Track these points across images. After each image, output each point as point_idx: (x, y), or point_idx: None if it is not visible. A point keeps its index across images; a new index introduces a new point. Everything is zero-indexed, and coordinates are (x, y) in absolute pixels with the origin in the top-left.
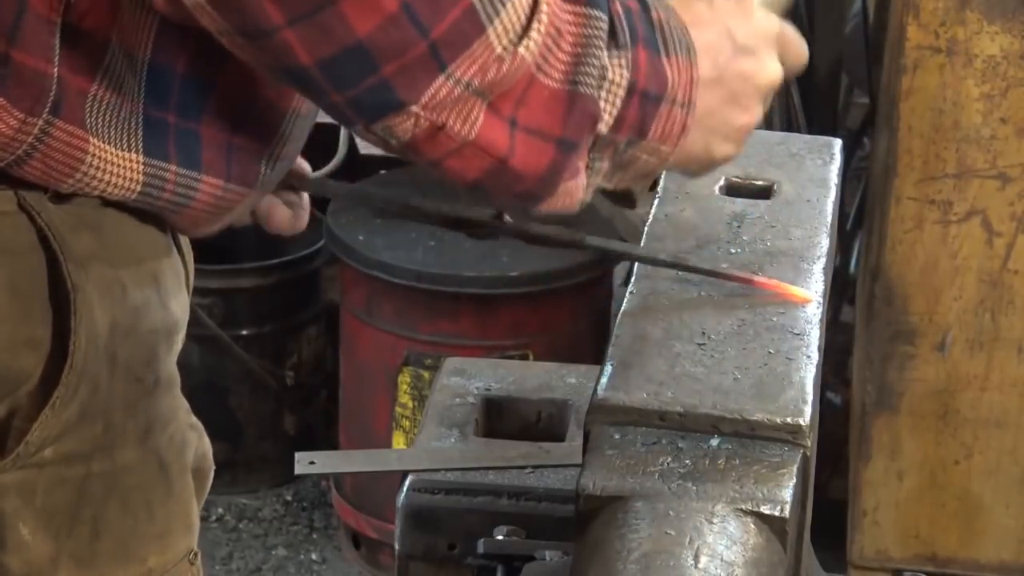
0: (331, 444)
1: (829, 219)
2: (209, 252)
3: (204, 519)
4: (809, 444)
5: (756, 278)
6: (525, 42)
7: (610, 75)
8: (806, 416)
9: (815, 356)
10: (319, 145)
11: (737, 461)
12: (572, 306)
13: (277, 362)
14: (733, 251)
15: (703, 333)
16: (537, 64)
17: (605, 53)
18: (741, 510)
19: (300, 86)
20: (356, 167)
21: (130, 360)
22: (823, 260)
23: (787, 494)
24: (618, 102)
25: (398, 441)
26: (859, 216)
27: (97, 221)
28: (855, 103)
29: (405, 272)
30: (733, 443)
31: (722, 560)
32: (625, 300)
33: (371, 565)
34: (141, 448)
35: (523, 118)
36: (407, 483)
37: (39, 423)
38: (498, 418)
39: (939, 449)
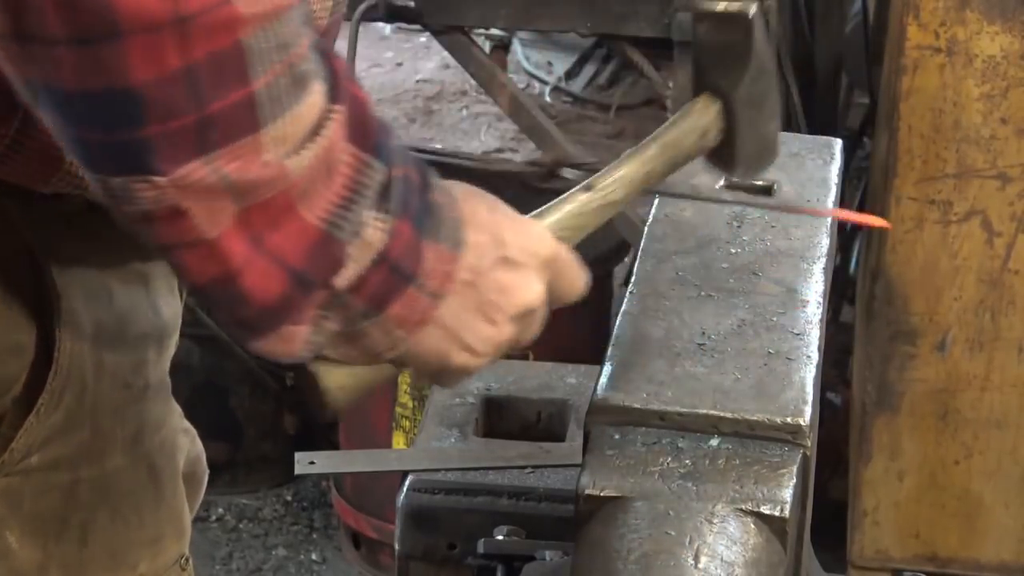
0: (331, 444)
1: (829, 219)
2: None
3: (204, 519)
4: (809, 444)
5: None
6: (295, 158)
7: (365, 232)
8: (806, 416)
9: (815, 356)
10: None
11: (737, 461)
12: (572, 306)
13: (277, 362)
14: (733, 251)
15: (703, 333)
16: (301, 190)
17: (370, 209)
18: (741, 510)
19: (55, 111)
20: None
21: (117, 366)
22: (823, 260)
23: (787, 494)
24: (365, 262)
25: (398, 441)
26: None
27: (82, 223)
28: (855, 103)
29: None
30: (733, 443)
31: (722, 560)
32: (625, 300)
33: (371, 565)
34: (130, 454)
35: (270, 241)
36: (407, 483)
37: (24, 430)
38: (498, 418)
39: (939, 449)
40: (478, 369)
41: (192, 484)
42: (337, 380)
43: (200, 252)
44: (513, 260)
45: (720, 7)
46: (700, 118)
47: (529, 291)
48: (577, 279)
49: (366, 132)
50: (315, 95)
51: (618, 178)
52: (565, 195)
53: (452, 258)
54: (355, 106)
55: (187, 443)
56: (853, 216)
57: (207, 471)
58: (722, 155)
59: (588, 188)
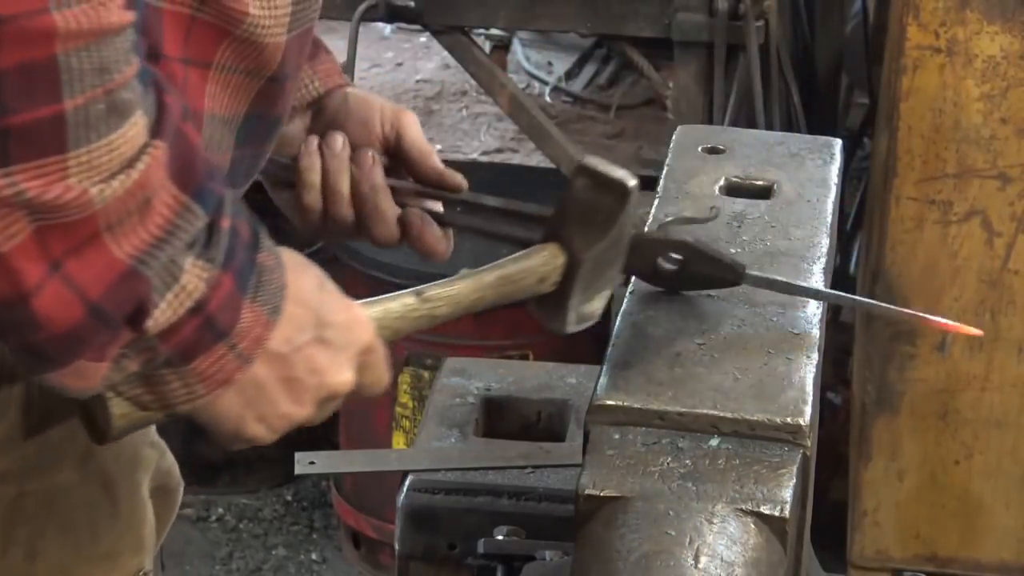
0: (331, 444)
1: (829, 219)
2: None
3: (204, 519)
4: (809, 444)
5: (928, 317)
6: (102, 187)
7: (184, 280)
8: (806, 416)
9: (815, 356)
10: None
11: (737, 461)
12: None
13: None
14: (733, 251)
15: (703, 333)
16: (109, 222)
17: (189, 255)
18: (741, 510)
19: None
20: None
21: None
22: (823, 260)
23: (787, 494)
24: (180, 311)
25: (398, 441)
26: (859, 216)
27: None
28: (855, 103)
29: (405, 272)
30: (733, 443)
31: (722, 560)
32: (625, 300)
33: (371, 565)
34: (82, 468)
35: (70, 267)
36: (407, 483)
37: None
38: (498, 418)
39: (939, 449)
40: (264, 442)
41: (163, 498)
42: (122, 408)
43: None
44: (330, 342)
45: (605, 169)
46: (544, 265)
47: (339, 377)
48: (383, 376)
49: (191, 174)
50: (134, 127)
51: (448, 295)
52: (394, 294)
53: (268, 323)
54: (182, 146)
55: (154, 456)
56: (944, 324)
57: (181, 483)
58: (549, 303)
59: (418, 295)
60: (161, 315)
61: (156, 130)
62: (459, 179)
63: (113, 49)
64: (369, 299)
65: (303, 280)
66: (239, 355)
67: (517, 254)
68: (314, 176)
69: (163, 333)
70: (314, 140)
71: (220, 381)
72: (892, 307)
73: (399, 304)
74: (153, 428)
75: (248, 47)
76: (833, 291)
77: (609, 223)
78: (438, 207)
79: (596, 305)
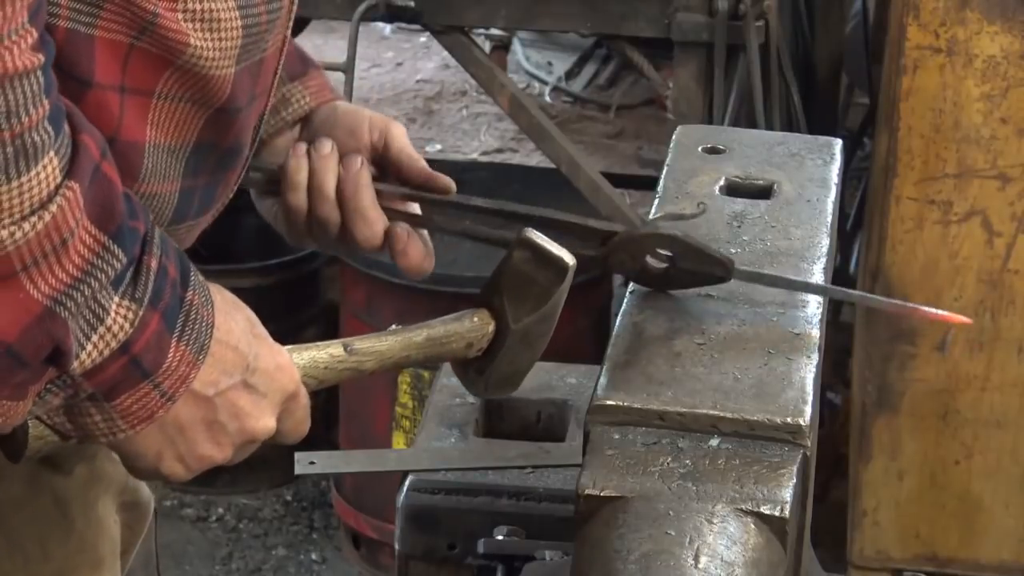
0: (331, 444)
1: (829, 219)
2: (209, 252)
3: (204, 519)
4: (809, 444)
5: (918, 307)
6: (13, 229)
7: (109, 320)
8: (806, 416)
9: (815, 356)
10: None
11: (737, 461)
12: (572, 306)
13: None
14: (733, 251)
15: (703, 333)
16: (25, 264)
17: (113, 297)
18: (741, 510)
19: None
20: None
21: None
22: (823, 260)
23: (787, 494)
24: (106, 352)
25: (398, 441)
26: (859, 216)
27: None
28: (855, 103)
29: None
30: (733, 443)
31: (722, 560)
32: (625, 300)
33: (371, 565)
34: (31, 484)
35: None
36: (407, 483)
37: None
38: (498, 418)
39: (939, 449)
40: (180, 481)
41: (132, 511)
42: (39, 431)
43: None
44: (255, 387)
45: (546, 245)
46: (472, 331)
47: (261, 423)
48: (303, 425)
49: (111, 214)
50: (46, 169)
51: (375, 351)
52: (322, 343)
53: (194, 363)
54: (101, 186)
55: (119, 472)
56: (934, 314)
57: (151, 497)
58: (472, 368)
59: (346, 347)
60: (87, 356)
61: (71, 171)
62: (447, 181)
63: (20, 92)
64: (297, 346)
65: (232, 321)
66: (163, 393)
67: (447, 317)
68: (301, 176)
69: (88, 372)
70: (302, 145)
71: (142, 418)
72: (881, 298)
73: (326, 355)
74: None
75: (192, 77)
76: (821, 284)
77: (543, 298)
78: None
79: (519, 376)
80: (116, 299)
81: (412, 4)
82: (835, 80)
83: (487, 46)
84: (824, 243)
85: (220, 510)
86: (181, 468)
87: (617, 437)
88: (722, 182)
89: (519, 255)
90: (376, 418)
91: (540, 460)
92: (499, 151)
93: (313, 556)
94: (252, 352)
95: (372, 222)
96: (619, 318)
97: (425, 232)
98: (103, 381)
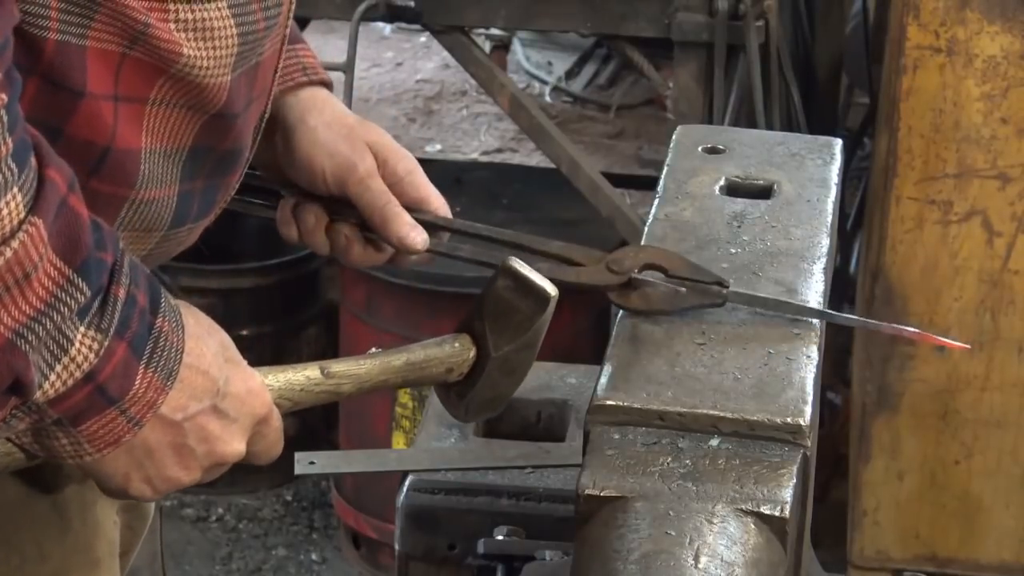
0: (331, 444)
1: (829, 219)
2: (209, 252)
3: (204, 519)
4: (809, 444)
5: (915, 331)
6: None
7: (74, 351)
8: (806, 416)
9: (815, 356)
10: None
11: (737, 461)
12: (572, 306)
13: (277, 362)
14: (733, 251)
15: (703, 333)
16: None
17: (78, 327)
18: (741, 510)
19: None
20: None
21: None
22: (823, 260)
23: (787, 494)
24: (70, 382)
25: (398, 441)
26: (859, 216)
27: None
28: (855, 103)
29: (405, 272)
30: (733, 443)
31: (722, 560)
32: None
33: (371, 565)
34: (26, 486)
35: None
36: (407, 483)
37: None
38: (498, 418)
39: (939, 449)
40: (147, 500)
41: (134, 513)
42: (6, 448)
43: None
44: (224, 412)
45: (529, 274)
46: (453, 356)
47: (230, 447)
48: (275, 447)
49: (76, 247)
50: (7, 206)
51: (353, 375)
52: (299, 365)
53: (161, 388)
54: (67, 220)
55: None
56: (931, 338)
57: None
58: (453, 392)
59: (322, 370)
60: (50, 386)
61: (35, 206)
62: (418, 245)
63: None
64: (273, 368)
65: (204, 346)
66: (130, 419)
67: (428, 341)
68: (293, 235)
69: (52, 401)
70: (288, 207)
71: (108, 443)
72: (880, 323)
73: (303, 376)
74: None
75: (187, 85)
76: (818, 309)
77: (524, 327)
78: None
79: (500, 401)
80: (82, 329)
81: (412, 4)
82: (835, 80)
83: (487, 46)
84: (824, 243)
85: (220, 510)
86: (148, 490)
87: (617, 437)
88: (722, 182)
89: (502, 283)
90: (376, 418)
91: (540, 460)
92: (499, 151)
93: (313, 556)
94: (223, 376)
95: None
96: (619, 318)
97: None
98: (68, 408)
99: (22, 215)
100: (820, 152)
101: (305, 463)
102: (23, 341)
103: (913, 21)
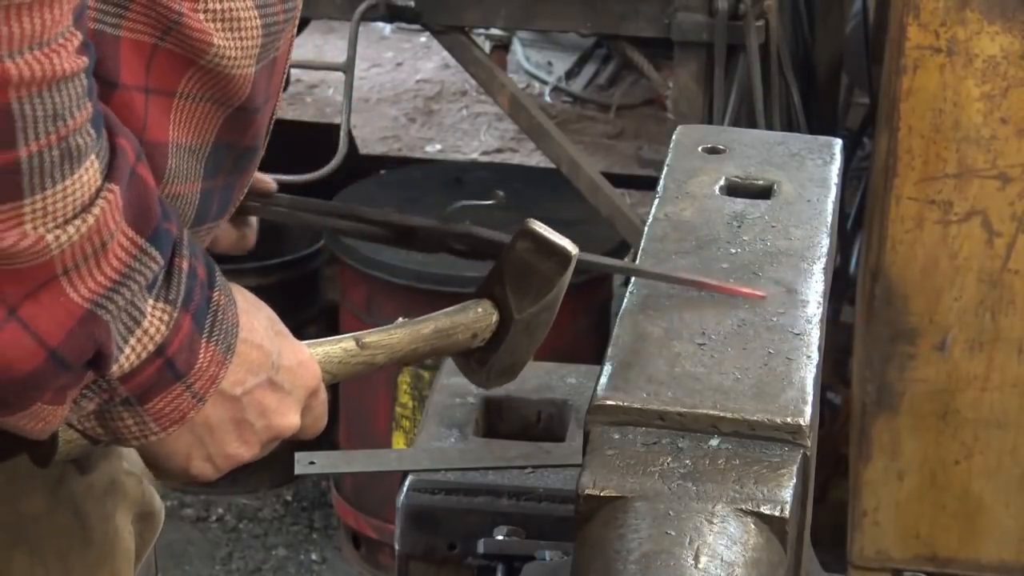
0: (331, 444)
1: (829, 219)
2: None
3: (204, 519)
4: (809, 444)
5: (707, 281)
6: (58, 233)
7: (146, 324)
8: (806, 416)
9: (815, 356)
10: (319, 144)
11: (737, 461)
12: (572, 306)
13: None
14: (733, 251)
15: (703, 333)
16: (66, 268)
17: (148, 299)
18: (741, 510)
19: None
20: (356, 166)
21: None
22: (823, 260)
23: (787, 494)
24: (143, 355)
25: (398, 441)
26: (859, 216)
27: None
28: (855, 103)
29: (405, 272)
30: (733, 443)
31: (722, 560)
32: (625, 300)
33: (371, 565)
34: (51, 497)
35: (27, 312)
36: (407, 483)
37: None
38: (498, 418)
39: (939, 449)
40: (207, 480)
41: (146, 522)
42: (69, 436)
43: None
44: (280, 385)
45: (550, 235)
46: (477, 321)
47: (287, 420)
48: (322, 420)
49: (147, 217)
50: (88, 172)
51: (386, 345)
52: (333, 338)
53: (223, 363)
54: (137, 189)
55: (132, 483)
56: (725, 287)
57: (162, 508)
58: (474, 358)
59: (357, 342)
60: (125, 360)
61: (110, 174)
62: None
63: (66, 95)
64: (310, 341)
65: (255, 320)
66: (194, 395)
67: (450, 309)
68: None
69: (124, 376)
70: None
71: (174, 420)
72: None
73: (340, 349)
74: (122, 455)
75: (214, 77)
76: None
77: (547, 288)
78: None
79: (519, 367)
80: (151, 301)
81: (412, 4)
82: (835, 80)
83: (487, 46)
84: (824, 243)
85: (220, 510)
86: (210, 468)
87: (617, 437)
88: (722, 182)
89: (522, 245)
90: (376, 418)
91: (540, 460)
92: (499, 151)
93: (313, 556)
94: (275, 350)
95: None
96: (619, 318)
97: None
98: (138, 384)
99: (99, 183)
100: (820, 152)
101: (305, 463)
102: (103, 311)
103: (913, 21)
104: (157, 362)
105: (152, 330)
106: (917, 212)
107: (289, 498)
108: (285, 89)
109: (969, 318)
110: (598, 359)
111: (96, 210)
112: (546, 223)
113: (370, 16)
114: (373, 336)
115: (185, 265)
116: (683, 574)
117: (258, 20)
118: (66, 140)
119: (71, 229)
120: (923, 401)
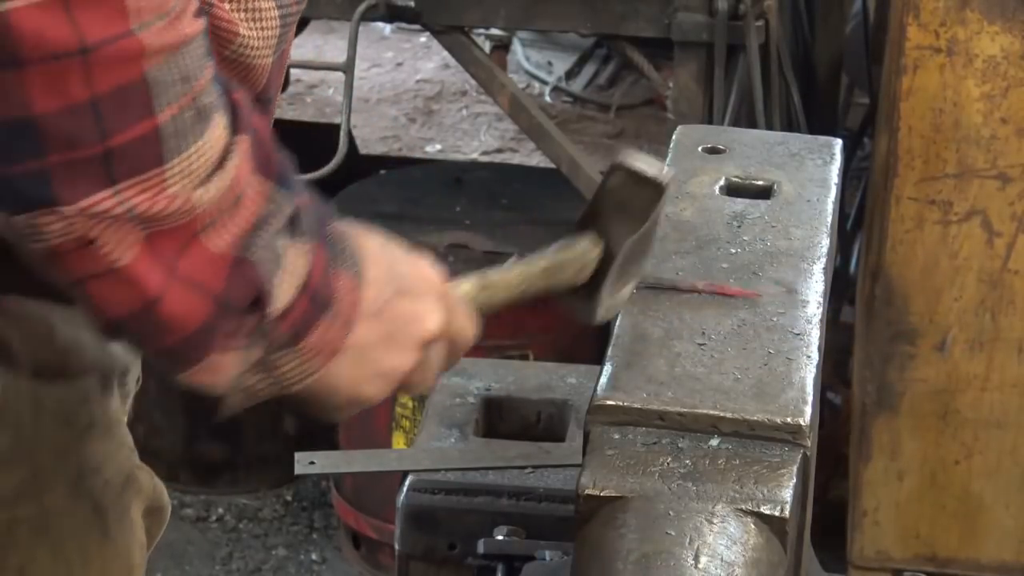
0: (331, 444)
1: (829, 219)
2: None
3: (204, 519)
4: (809, 444)
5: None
6: (201, 191)
7: (286, 262)
8: (806, 416)
9: (815, 356)
10: (319, 144)
11: (737, 461)
12: None
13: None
14: (733, 251)
15: (703, 333)
16: (208, 221)
17: (283, 238)
18: (741, 510)
19: None
20: (356, 166)
21: (59, 403)
22: (823, 260)
23: (787, 494)
24: (292, 293)
25: (398, 441)
26: (859, 216)
27: (22, 254)
28: (855, 103)
29: None
30: (733, 443)
31: (722, 560)
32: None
33: (371, 565)
34: (73, 492)
35: (184, 267)
36: (407, 483)
37: None
38: (498, 418)
39: (939, 449)
40: (379, 400)
41: (155, 517)
42: (236, 398)
43: (113, 282)
44: (410, 290)
45: (641, 166)
46: (584, 255)
47: (430, 318)
48: (467, 323)
49: (269, 161)
50: (218, 127)
51: (505, 283)
52: (460, 279)
53: (355, 286)
54: (258, 138)
55: (145, 477)
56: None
57: (169, 503)
58: (580, 295)
59: (480, 279)
60: (277, 300)
61: (235, 126)
62: None
63: (191, 57)
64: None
65: (370, 241)
66: (343, 322)
67: (554, 246)
68: None
69: (281, 316)
70: None
71: (331, 352)
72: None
73: (468, 286)
74: (135, 450)
75: (236, 68)
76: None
77: (643, 217)
78: None
79: (623, 296)
80: (287, 241)
81: (412, 4)
82: (835, 80)
83: (487, 46)
84: (824, 243)
85: (220, 510)
86: (381, 383)
87: (617, 437)
88: (722, 182)
89: (616, 179)
90: (376, 418)
91: (540, 460)
92: (499, 151)
93: (313, 556)
94: (395, 262)
95: None
96: (619, 318)
97: None
98: (292, 323)
99: (229, 137)
100: (820, 152)
101: (305, 463)
102: (251, 255)
103: (913, 21)
104: (303, 299)
105: (292, 268)
106: (917, 212)
107: (289, 498)
108: (285, 89)
109: (969, 318)
110: (598, 359)
111: (232, 163)
112: (546, 223)
113: (370, 16)
114: (495, 275)
115: (307, 201)
116: (683, 574)
117: (276, 11)
118: (196, 100)
119: (212, 185)
120: (923, 401)
